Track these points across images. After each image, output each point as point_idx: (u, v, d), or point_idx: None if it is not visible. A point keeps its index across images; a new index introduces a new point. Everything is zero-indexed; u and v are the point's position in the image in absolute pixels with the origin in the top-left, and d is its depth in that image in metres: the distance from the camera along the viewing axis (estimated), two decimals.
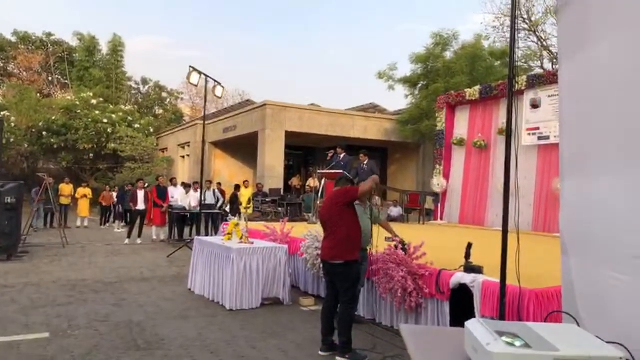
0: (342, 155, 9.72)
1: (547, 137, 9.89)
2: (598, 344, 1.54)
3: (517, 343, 1.50)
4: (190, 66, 9.58)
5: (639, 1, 1.85)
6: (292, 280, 6.63)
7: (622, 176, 1.96)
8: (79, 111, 24.88)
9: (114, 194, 16.85)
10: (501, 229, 3.46)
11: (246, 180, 15.06)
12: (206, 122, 12.47)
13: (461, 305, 4.20)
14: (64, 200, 15.67)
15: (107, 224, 16.86)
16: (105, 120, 24.84)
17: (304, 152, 24.08)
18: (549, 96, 9.84)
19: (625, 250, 1.90)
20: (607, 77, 2.07)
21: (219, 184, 15.84)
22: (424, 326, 4.38)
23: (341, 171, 8.39)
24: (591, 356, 1.45)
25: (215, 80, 10.21)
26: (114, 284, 7.08)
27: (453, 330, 2.10)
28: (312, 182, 15.94)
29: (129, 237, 12.14)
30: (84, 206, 16.41)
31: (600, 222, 2.09)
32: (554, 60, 17.17)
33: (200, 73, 9.71)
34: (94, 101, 25.79)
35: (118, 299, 6.19)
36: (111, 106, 26.65)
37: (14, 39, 31.87)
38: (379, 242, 4.93)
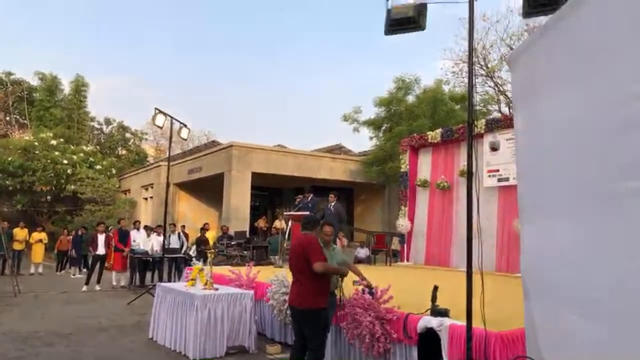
0: (309, 197, 9.73)
1: (507, 179, 10.23)
2: None
3: None
4: (155, 108, 9.54)
5: (578, 62, 2.00)
6: (258, 326, 6.45)
7: (576, 222, 2.04)
8: (37, 152, 24.19)
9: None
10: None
11: (207, 223, 14.81)
12: (171, 163, 12.32)
13: (429, 349, 4.18)
14: (17, 246, 14.89)
15: (64, 270, 16.11)
16: (65, 161, 24.20)
17: (270, 192, 23.99)
18: (507, 139, 10.24)
19: (584, 294, 1.96)
20: (554, 131, 2.19)
21: (183, 226, 15.49)
22: None
23: (307, 213, 8.38)
24: None
25: (180, 122, 10.17)
26: (69, 336, 6.70)
27: None
28: (278, 224, 15.81)
29: (87, 283, 11.60)
30: (38, 252, 15.65)
31: (559, 266, 2.15)
32: (510, 104, 18.02)
33: (165, 115, 9.66)
34: (53, 142, 25.14)
35: (73, 351, 5.84)
36: (72, 147, 26.04)
37: None
38: (347, 286, 4.89)
